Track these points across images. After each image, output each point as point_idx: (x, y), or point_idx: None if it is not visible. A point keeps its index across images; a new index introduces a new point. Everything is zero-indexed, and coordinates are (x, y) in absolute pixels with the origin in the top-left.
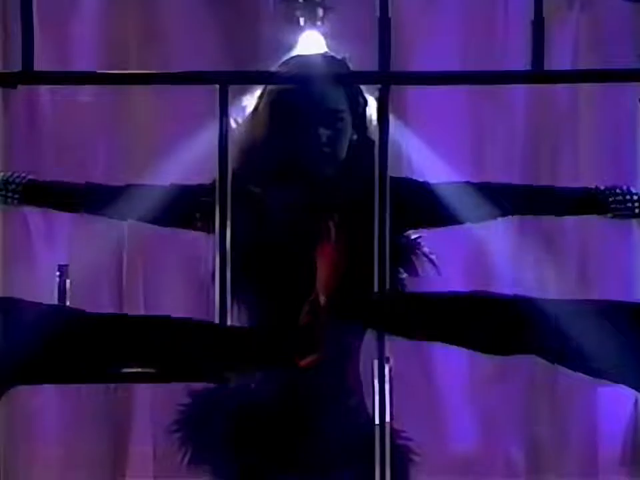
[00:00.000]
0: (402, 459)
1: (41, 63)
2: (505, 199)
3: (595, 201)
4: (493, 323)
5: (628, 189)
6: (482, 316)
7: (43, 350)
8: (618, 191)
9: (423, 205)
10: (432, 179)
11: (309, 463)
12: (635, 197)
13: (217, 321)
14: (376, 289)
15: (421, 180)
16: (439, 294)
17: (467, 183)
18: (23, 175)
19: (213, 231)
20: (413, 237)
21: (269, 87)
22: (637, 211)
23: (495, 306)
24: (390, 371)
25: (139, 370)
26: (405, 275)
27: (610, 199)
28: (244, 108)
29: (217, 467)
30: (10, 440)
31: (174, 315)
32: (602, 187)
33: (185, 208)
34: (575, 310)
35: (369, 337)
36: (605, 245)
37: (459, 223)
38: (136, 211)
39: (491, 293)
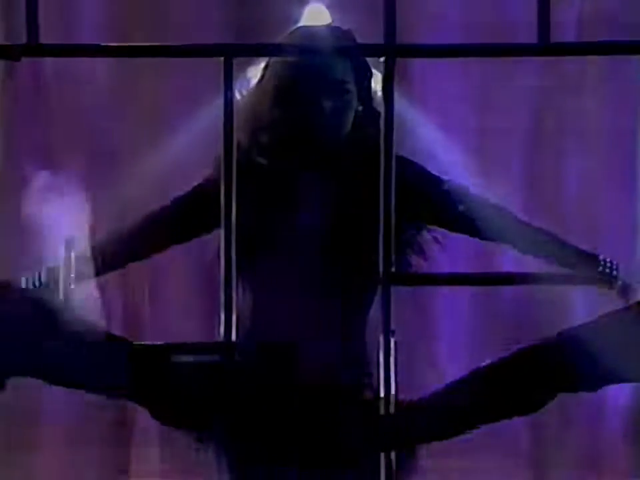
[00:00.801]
0: None
1: (45, 36)
2: (514, 232)
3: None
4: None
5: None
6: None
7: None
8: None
9: (427, 201)
10: (438, 154)
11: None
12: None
13: (221, 302)
14: (381, 266)
15: (433, 173)
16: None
17: (486, 201)
18: None
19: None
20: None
21: (274, 58)
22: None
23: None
24: (395, 344)
25: None
26: (411, 255)
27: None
28: (248, 80)
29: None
30: (12, 437)
31: (179, 294)
32: (609, 262)
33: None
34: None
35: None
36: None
37: (461, 232)
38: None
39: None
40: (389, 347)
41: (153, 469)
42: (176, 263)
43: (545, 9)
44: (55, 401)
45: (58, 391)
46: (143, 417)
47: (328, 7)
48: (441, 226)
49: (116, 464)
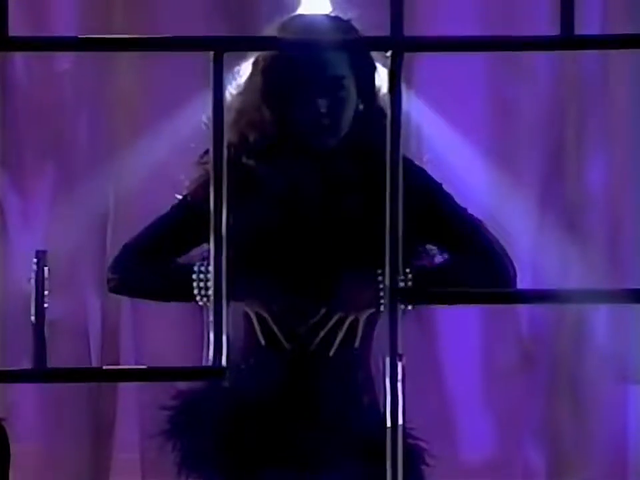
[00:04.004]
0: (414, 461)
1: (15, 27)
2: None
3: None
4: None
5: None
6: None
7: None
8: None
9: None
10: (447, 154)
11: (317, 464)
12: None
13: (211, 312)
14: (387, 280)
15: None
16: None
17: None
18: None
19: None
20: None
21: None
22: None
23: None
24: (403, 369)
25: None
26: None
27: None
28: (237, 74)
29: (212, 472)
30: None
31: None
32: None
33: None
34: None
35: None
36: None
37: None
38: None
39: None
40: (396, 372)
41: (134, 475)
42: None
43: None
44: (32, 407)
45: (37, 396)
46: (124, 424)
47: None
48: (441, 245)
49: (96, 470)
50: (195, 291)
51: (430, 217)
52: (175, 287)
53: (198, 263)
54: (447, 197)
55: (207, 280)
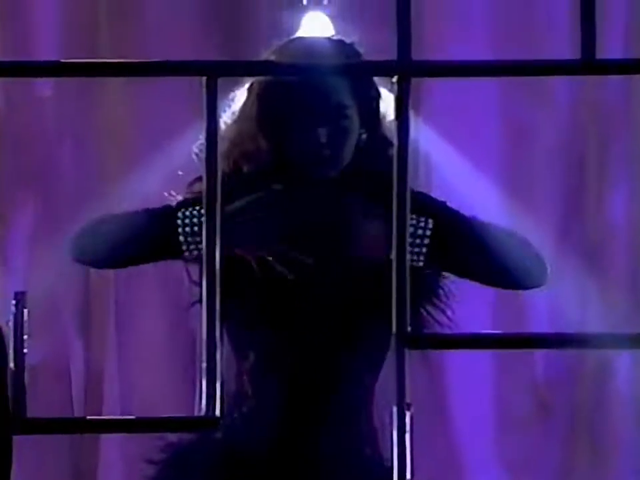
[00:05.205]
0: None
1: None
2: None
3: None
4: None
5: None
6: None
7: None
8: None
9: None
10: (457, 185)
11: None
12: None
13: (203, 359)
14: (394, 326)
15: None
16: None
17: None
18: None
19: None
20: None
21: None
22: None
23: None
24: (411, 419)
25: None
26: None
27: None
28: (230, 101)
29: None
30: None
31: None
32: None
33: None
34: None
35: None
36: None
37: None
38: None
39: None
40: (403, 423)
41: None
42: (146, 309)
43: (589, 20)
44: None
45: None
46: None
47: (331, 16)
48: (459, 273)
49: None
50: (181, 238)
51: (441, 241)
52: (155, 235)
53: (182, 209)
54: (455, 216)
55: (194, 225)
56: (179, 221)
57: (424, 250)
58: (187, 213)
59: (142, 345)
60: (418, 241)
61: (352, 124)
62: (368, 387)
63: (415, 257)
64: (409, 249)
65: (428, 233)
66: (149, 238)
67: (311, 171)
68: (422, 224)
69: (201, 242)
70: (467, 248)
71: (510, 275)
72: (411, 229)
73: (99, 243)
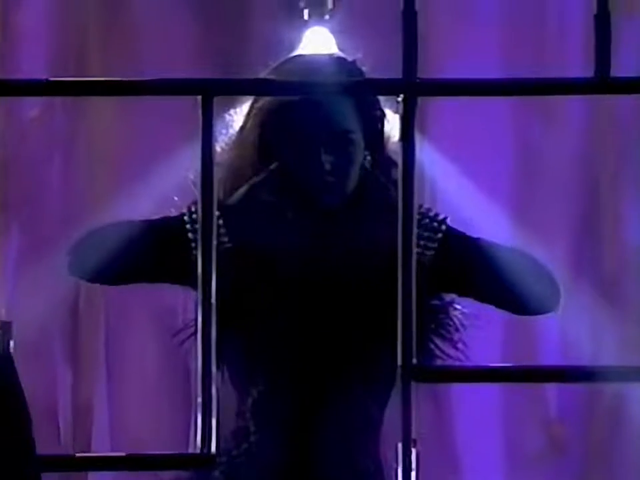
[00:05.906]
0: None
1: None
2: None
3: None
4: None
5: None
6: None
7: None
8: None
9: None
10: (465, 210)
11: None
12: None
13: (199, 393)
14: (399, 358)
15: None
16: None
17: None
18: None
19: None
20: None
21: (259, 99)
22: None
23: None
24: (417, 456)
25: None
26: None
27: None
28: (227, 124)
29: None
30: None
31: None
32: None
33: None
34: None
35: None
36: None
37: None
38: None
39: None
40: (409, 461)
41: None
42: (138, 340)
43: (604, 37)
44: None
45: None
46: None
47: (333, 31)
48: (471, 295)
49: None
50: (190, 235)
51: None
52: (162, 237)
53: (188, 209)
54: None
55: None
56: (187, 218)
57: (435, 245)
58: (193, 209)
59: (133, 378)
60: (430, 234)
61: (357, 149)
62: (375, 422)
63: (420, 250)
64: (416, 241)
65: (443, 227)
66: (155, 242)
67: (314, 198)
68: (439, 217)
69: None
70: (475, 267)
71: (521, 297)
72: (426, 220)
73: (100, 252)
